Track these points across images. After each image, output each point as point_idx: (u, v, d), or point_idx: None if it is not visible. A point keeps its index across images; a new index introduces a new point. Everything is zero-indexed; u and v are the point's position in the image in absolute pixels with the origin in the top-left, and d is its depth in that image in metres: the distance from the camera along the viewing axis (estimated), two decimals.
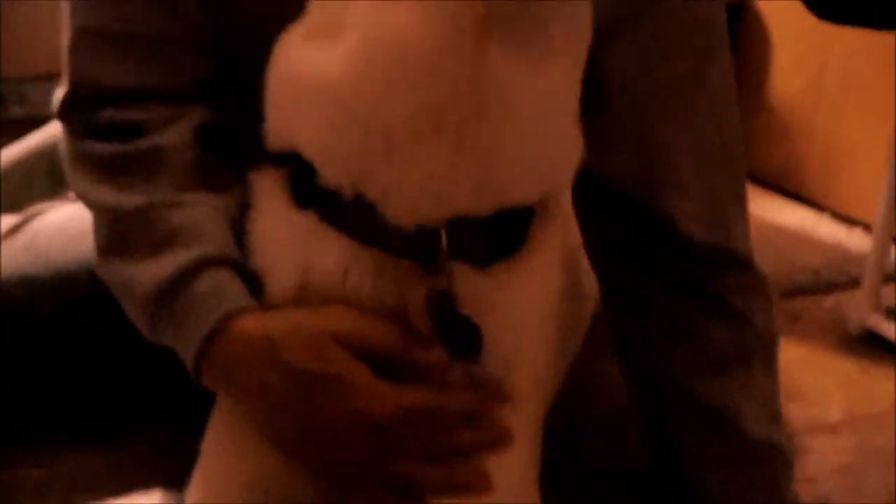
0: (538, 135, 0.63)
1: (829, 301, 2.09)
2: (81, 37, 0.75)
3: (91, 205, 0.75)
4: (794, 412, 1.60)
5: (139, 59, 0.75)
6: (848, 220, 2.48)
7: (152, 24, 0.74)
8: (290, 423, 0.65)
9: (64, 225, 0.96)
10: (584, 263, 0.81)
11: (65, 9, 0.76)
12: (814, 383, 1.69)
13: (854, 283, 2.14)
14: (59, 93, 0.78)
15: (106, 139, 0.74)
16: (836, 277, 2.20)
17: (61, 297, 0.91)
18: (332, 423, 0.63)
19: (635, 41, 0.75)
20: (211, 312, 0.65)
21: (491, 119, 0.60)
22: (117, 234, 0.73)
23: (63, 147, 0.78)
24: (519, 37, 0.60)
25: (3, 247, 0.94)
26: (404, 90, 0.60)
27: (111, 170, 0.73)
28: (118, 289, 0.73)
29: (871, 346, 1.87)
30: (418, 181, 0.61)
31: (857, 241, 2.38)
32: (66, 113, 0.77)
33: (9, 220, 1.03)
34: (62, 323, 0.91)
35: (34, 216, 1.03)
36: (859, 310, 1.93)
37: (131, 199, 0.72)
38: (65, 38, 0.76)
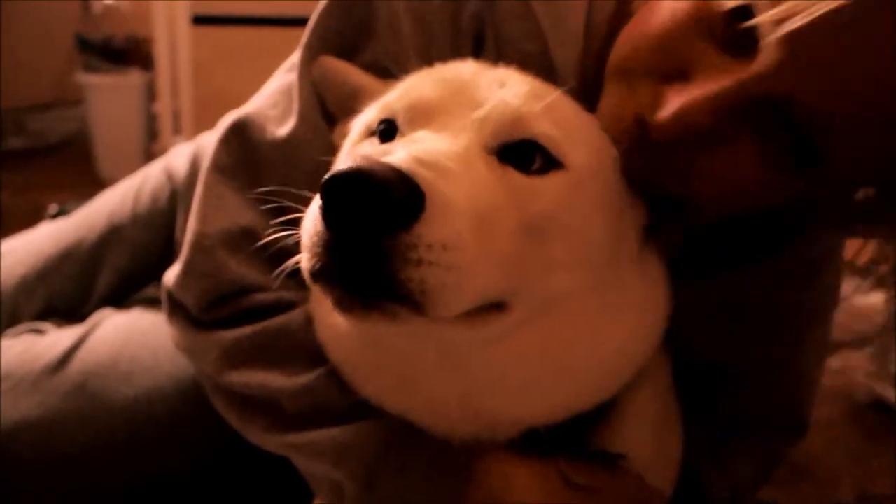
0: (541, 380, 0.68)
1: (836, 362, 2.09)
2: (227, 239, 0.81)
3: (256, 388, 0.78)
4: (806, 491, 1.60)
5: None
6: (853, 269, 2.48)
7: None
8: None
9: (115, 359, 0.99)
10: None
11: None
12: (824, 460, 1.69)
13: (861, 340, 2.14)
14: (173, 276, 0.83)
15: (235, 325, 0.79)
16: (842, 336, 2.19)
17: (118, 438, 0.98)
18: None
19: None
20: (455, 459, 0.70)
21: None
22: (303, 406, 0.75)
23: (195, 346, 0.82)
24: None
25: (54, 384, 0.97)
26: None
27: (260, 349, 0.78)
28: (312, 451, 0.75)
29: (880, 414, 1.88)
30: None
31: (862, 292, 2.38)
32: (206, 309, 0.81)
33: (74, 332, 1.04)
34: (119, 460, 0.98)
35: (93, 328, 1.05)
36: (867, 377, 1.93)
37: (308, 374, 0.76)
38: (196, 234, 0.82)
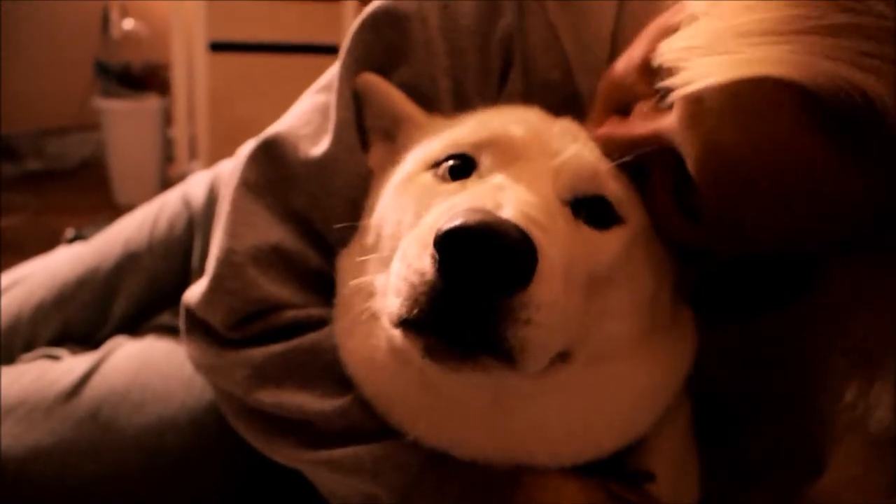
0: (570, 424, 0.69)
1: (851, 396, 2.06)
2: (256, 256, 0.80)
3: (289, 409, 0.77)
4: None
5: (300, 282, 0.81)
6: None
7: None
8: None
9: (128, 388, 0.99)
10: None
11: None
12: (840, 496, 1.67)
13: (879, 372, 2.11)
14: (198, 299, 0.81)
15: (264, 343, 0.78)
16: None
17: (130, 468, 0.97)
18: None
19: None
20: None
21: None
22: (337, 426, 0.75)
23: (224, 363, 0.81)
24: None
25: (67, 412, 0.97)
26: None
27: (292, 368, 0.77)
28: (350, 466, 0.74)
29: None
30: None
31: None
32: (233, 327, 0.80)
33: (88, 359, 1.05)
34: (131, 490, 0.97)
35: (107, 356, 1.05)
36: (884, 410, 1.91)
37: (342, 398, 0.75)
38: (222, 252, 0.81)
